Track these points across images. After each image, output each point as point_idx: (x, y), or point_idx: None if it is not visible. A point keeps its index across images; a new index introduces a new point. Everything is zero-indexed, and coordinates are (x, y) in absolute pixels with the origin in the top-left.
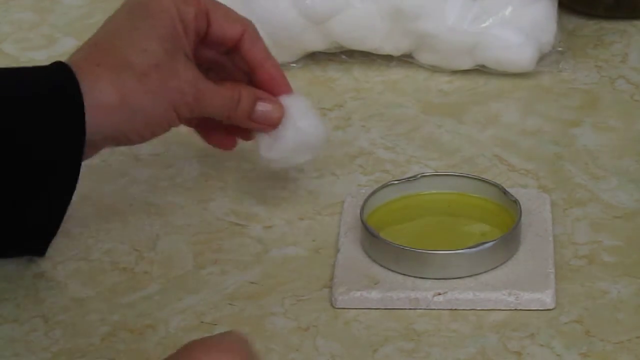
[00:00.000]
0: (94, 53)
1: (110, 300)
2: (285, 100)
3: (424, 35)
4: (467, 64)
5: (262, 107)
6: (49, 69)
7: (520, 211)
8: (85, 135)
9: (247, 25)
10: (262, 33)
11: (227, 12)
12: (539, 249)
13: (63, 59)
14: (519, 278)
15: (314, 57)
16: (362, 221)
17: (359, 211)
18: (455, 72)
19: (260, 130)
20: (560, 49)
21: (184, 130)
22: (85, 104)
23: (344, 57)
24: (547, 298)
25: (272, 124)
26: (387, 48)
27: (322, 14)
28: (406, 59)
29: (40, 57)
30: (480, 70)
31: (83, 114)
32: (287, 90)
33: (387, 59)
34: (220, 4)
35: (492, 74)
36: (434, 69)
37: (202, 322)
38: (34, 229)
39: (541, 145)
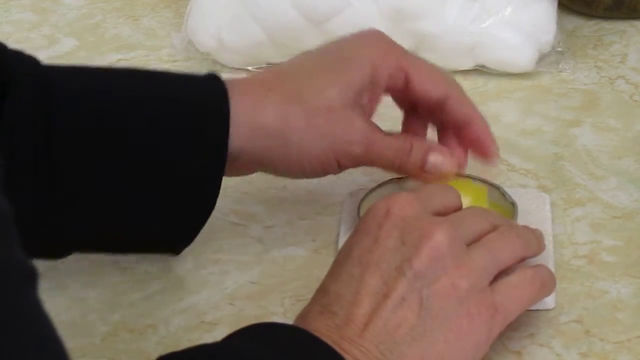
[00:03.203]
0: (272, 79)
1: (110, 300)
2: None
3: (424, 35)
4: (467, 64)
5: (434, 158)
6: (203, 81)
7: (517, 214)
8: (227, 150)
9: (451, 87)
10: (262, 33)
11: (430, 73)
12: None
13: (63, 59)
14: None
15: None
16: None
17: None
18: (455, 72)
19: (431, 182)
20: (559, 49)
21: None
22: (239, 120)
23: None
24: (546, 298)
25: (443, 176)
26: None
27: (322, 14)
28: None
29: (41, 58)
30: (480, 70)
31: (227, 129)
32: (492, 150)
33: None
34: (423, 64)
35: (492, 74)
36: None
37: (202, 322)
38: (174, 233)
39: (541, 145)
